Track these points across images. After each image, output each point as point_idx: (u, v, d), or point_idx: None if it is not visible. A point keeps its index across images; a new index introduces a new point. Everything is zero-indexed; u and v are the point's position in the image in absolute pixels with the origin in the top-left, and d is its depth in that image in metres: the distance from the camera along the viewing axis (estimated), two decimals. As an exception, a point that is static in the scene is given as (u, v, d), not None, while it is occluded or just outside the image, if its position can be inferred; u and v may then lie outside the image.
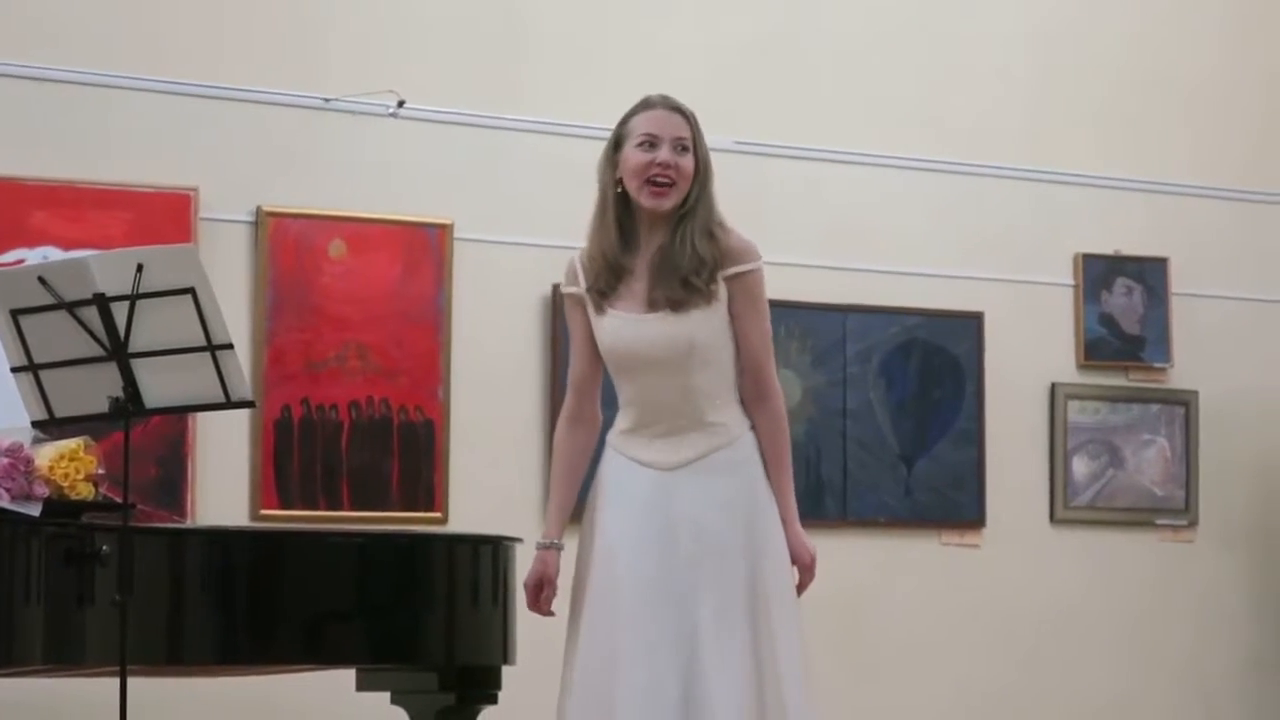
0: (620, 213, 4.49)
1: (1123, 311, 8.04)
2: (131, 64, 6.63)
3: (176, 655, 4.96)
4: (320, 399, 6.78)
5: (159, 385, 4.55)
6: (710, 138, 4.61)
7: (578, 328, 4.59)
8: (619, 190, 4.49)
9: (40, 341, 4.59)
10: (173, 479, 6.52)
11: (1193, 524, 8.10)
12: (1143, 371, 8.08)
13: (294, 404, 6.75)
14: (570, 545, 4.60)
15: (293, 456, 6.73)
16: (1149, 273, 8.07)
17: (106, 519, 4.75)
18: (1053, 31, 8.06)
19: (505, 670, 5.42)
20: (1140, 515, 8.02)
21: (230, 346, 4.54)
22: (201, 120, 6.70)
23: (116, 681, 4.49)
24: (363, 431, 6.82)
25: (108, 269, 4.50)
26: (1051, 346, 7.94)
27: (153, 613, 4.80)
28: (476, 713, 5.48)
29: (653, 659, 4.30)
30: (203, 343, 4.50)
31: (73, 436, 4.87)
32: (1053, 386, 7.92)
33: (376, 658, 5.32)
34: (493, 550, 5.39)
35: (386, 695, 5.65)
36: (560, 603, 4.61)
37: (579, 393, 4.61)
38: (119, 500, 4.69)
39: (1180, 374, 8.11)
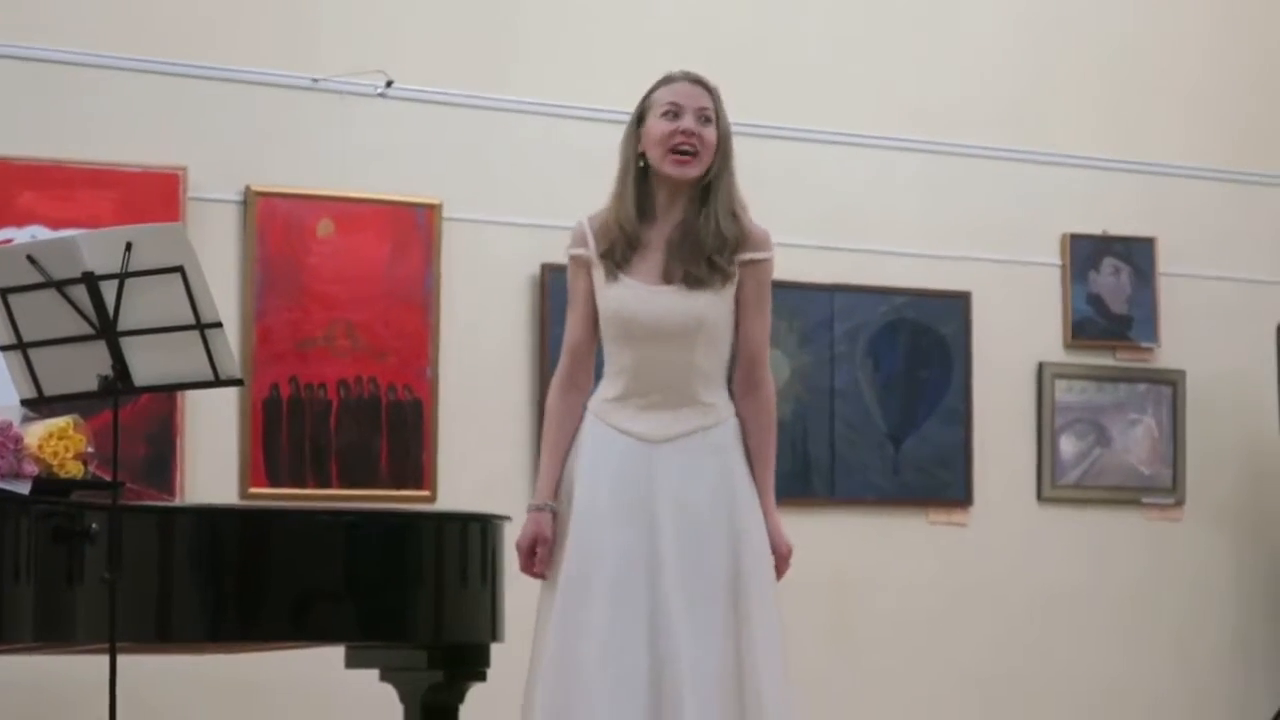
0: (640, 185, 4.49)
1: (1110, 291, 8.04)
2: (120, 44, 6.62)
3: (166, 633, 4.98)
4: (309, 378, 6.78)
5: (148, 364, 4.55)
6: (698, 119, 4.61)
7: (580, 291, 4.54)
8: (641, 164, 4.49)
9: (29, 320, 4.58)
10: (162, 457, 6.52)
11: (1179, 503, 8.12)
12: (1130, 351, 8.09)
13: (283, 383, 6.75)
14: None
15: (281, 435, 6.74)
16: (1136, 253, 8.08)
17: (96, 497, 4.76)
18: (1040, 12, 8.06)
19: (494, 648, 5.44)
20: (1127, 494, 8.04)
21: (219, 325, 4.54)
22: (190, 100, 6.69)
23: (106, 659, 4.49)
24: (351, 410, 6.83)
25: (96, 248, 4.50)
26: (1039, 326, 7.95)
27: (142, 591, 4.82)
28: (465, 690, 5.50)
29: (626, 629, 4.29)
30: (191, 321, 4.50)
31: (62, 415, 4.88)
32: (1040, 366, 7.93)
33: (365, 635, 5.33)
34: (481, 528, 5.40)
35: (375, 673, 5.66)
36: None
37: (574, 358, 4.57)
38: (108, 479, 4.69)
39: (1167, 354, 8.12)
